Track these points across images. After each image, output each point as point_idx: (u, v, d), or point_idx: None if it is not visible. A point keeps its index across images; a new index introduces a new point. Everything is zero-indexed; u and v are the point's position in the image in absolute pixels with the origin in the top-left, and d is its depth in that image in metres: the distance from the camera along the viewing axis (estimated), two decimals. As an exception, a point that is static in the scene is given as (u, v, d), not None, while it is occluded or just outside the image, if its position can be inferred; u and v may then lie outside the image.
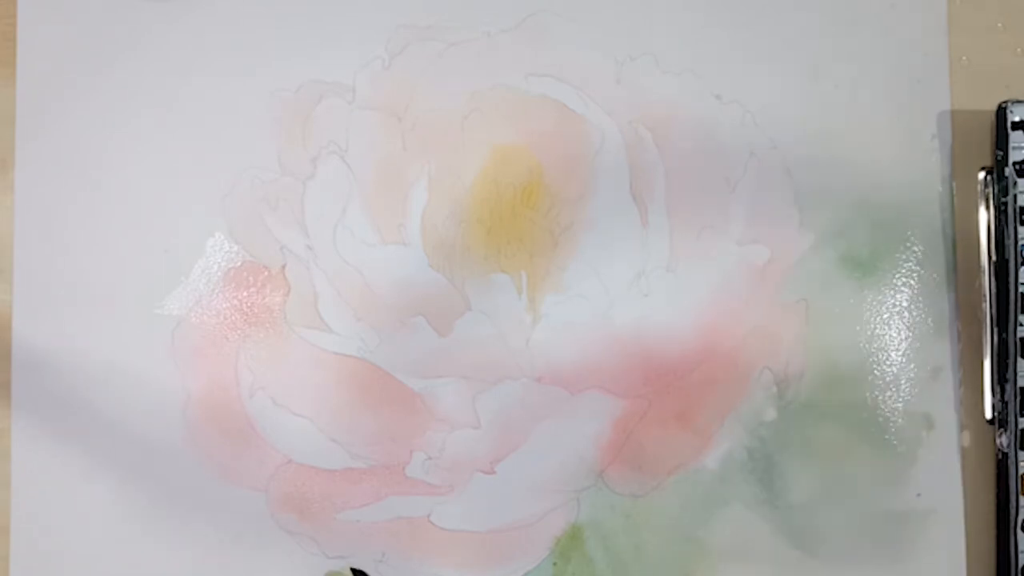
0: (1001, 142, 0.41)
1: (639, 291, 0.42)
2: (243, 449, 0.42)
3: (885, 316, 0.42)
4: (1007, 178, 0.41)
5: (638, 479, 0.42)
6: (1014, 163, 0.40)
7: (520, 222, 0.42)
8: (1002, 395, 0.40)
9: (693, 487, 0.42)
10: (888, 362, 0.42)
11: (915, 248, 0.42)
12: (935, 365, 0.42)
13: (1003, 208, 0.41)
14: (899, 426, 0.42)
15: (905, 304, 0.42)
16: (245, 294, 0.42)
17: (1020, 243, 0.40)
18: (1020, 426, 0.40)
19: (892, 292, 0.42)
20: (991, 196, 0.41)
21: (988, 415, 0.41)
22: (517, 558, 0.42)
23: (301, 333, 0.42)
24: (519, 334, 0.42)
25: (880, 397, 0.42)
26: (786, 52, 0.43)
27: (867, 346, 0.42)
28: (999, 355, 0.40)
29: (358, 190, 0.42)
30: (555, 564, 0.42)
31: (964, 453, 0.42)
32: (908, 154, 0.42)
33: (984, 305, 0.41)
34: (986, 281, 0.41)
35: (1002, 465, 0.40)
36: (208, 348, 0.42)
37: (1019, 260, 0.40)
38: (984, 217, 0.42)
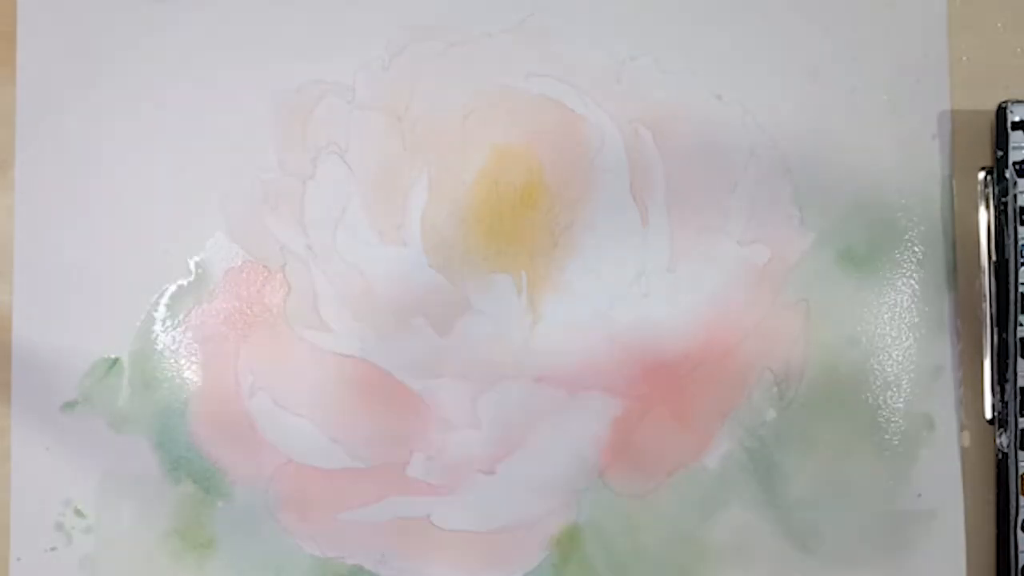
0: (1001, 142, 0.41)
1: (639, 291, 0.42)
2: (243, 449, 0.42)
3: (885, 316, 0.42)
4: (1007, 178, 0.41)
5: (638, 479, 0.42)
6: (1014, 163, 0.40)
7: (520, 222, 0.42)
8: (1002, 395, 0.40)
9: (693, 487, 0.42)
10: (888, 362, 0.42)
11: (915, 248, 0.42)
12: (935, 365, 0.42)
13: (1003, 208, 0.41)
14: (899, 426, 0.42)
15: (905, 304, 0.42)
16: (245, 294, 0.42)
17: (1020, 243, 0.40)
18: (1020, 426, 0.40)
19: (892, 292, 0.42)
20: (991, 196, 0.41)
21: (988, 415, 0.41)
22: (517, 558, 0.42)
23: (301, 333, 0.42)
24: (519, 334, 0.42)
25: (880, 397, 0.42)
26: (786, 52, 0.43)
27: (867, 346, 0.42)
28: (999, 355, 0.40)
29: (358, 190, 0.42)
30: (555, 564, 0.42)
31: (964, 453, 0.42)
32: (908, 154, 0.42)
33: (984, 305, 0.41)
34: (986, 281, 0.41)
35: (1002, 465, 0.40)
36: (208, 348, 0.42)
37: (1019, 260, 0.40)
38: (984, 217, 0.41)
